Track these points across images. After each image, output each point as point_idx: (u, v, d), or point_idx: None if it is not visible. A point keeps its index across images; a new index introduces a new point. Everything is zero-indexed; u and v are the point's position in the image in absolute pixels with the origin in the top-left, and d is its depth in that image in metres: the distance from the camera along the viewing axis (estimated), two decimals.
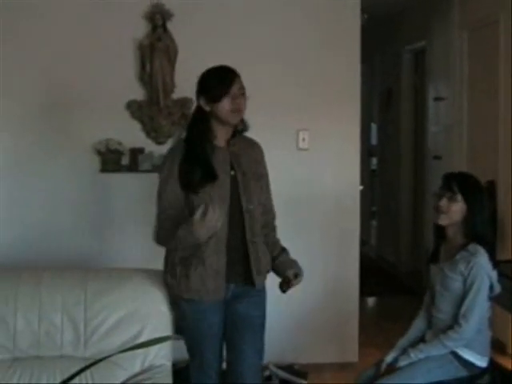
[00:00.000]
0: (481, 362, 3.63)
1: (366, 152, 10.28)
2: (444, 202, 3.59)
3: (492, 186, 5.83)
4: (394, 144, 8.97)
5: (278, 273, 3.57)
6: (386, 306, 7.17)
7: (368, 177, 10.43)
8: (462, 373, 3.59)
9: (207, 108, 3.42)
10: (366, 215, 10.46)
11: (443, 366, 3.55)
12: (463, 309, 3.54)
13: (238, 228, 3.44)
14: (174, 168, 3.40)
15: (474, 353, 3.61)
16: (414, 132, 8.66)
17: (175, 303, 3.52)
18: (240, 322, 3.51)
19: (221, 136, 3.48)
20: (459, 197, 3.58)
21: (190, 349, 3.55)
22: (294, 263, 3.58)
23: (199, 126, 3.45)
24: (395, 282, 8.05)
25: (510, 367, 4.09)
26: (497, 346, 5.46)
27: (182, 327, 3.51)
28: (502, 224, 5.69)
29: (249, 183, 3.48)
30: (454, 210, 3.59)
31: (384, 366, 3.68)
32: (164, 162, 3.52)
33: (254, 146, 3.65)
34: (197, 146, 3.41)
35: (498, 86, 5.77)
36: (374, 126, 10.59)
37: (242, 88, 3.48)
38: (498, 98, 5.76)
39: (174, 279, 3.47)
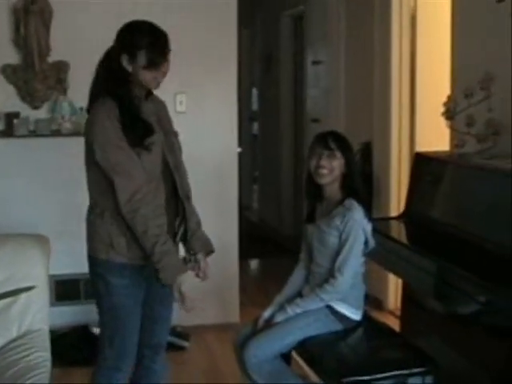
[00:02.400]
0: (355, 315, 3.73)
1: (248, 117, 10.34)
2: (325, 161, 3.63)
3: (368, 147, 5.97)
4: (275, 108, 9.03)
5: (188, 247, 3.46)
6: (268, 268, 7.29)
7: (250, 142, 10.50)
8: (338, 326, 3.68)
9: (129, 68, 3.21)
10: (248, 180, 10.55)
11: (319, 320, 3.63)
12: (338, 262, 3.62)
13: (169, 186, 3.34)
14: (118, 131, 3.14)
15: (348, 306, 3.70)
16: (293, 96, 8.74)
17: (98, 275, 3.29)
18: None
19: (140, 94, 3.30)
20: (338, 153, 3.64)
21: (114, 320, 3.34)
22: (208, 243, 3.51)
23: (125, 84, 3.23)
24: (277, 244, 8.17)
25: (384, 321, 4.21)
26: (374, 303, 5.64)
27: (98, 297, 3.35)
28: (378, 184, 5.84)
29: (171, 139, 3.41)
30: (335, 167, 3.64)
31: (261, 321, 3.74)
32: (103, 129, 3.15)
33: (163, 103, 3.52)
34: (130, 104, 3.22)
35: (373, 50, 5.88)
36: (255, 91, 10.64)
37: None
38: (374, 62, 5.88)
39: (115, 246, 3.21)
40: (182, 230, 3.41)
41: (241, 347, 3.67)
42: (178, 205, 3.38)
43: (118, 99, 3.20)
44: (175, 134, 3.49)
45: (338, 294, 3.64)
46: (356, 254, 3.64)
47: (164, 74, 3.27)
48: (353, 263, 3.63)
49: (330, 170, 3.64)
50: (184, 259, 3.41)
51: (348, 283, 3.63)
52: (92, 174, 3.26)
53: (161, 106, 3.48)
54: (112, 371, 3.38)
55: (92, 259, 3.32)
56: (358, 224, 3.61)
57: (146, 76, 3.22)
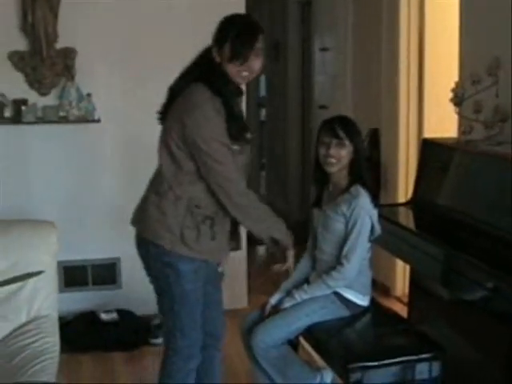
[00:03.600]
0: (362, 301, 3.73)
1: (255, 103, 10.32)
2: (333, 150, 3.60)
3: (376, 133, 5.96)
4: (282, 95, 9.02)
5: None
6: (276, 254, 7.27)
7: (257, 128, 10.49)
8: (345, 312, 3.68)
9: (218, 59, 3.17)
10: (256, 166, 10.53)
11: (326, 306, 3.64)
12: (345, 249, 3.61)
13: None
14: (223, 127, 3.13)
15: (355, 292, 3.70)
16: (301, 83, 8.72)
17: (165, 263, 3.25)
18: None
19: (232, 88, 3.25)
20: (347, 141, 3.60)
21: (184, 307, 3.31)
22: None
23: (224, 78, 3.18)
24: None
25: (391, 307, 4.22)
26: (381, 289, 5.65)
27: (167, 287, 3.28)
28: (385, 170, 5.84)
29: None
30: (344, 155, 3.61)
31: (269, 307, 3.74)
32: (208, 123, 3.11)
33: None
34: (232, 100, 3.20)
35: (381, 37, 5.86)
36: (262, 78, 10.61)
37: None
38: (382, 49, 5.86)
39: (187, 239, 3.19)
40: None
41: (248, 333, 3.68)
42: None
43: (220, 93, 3.15)
44: None
45: (346, 280, 3.64)
46: (363, 241, 3.63)
47: (252, 70, 3.21)
48: (360, 250, 3.62)
49: (339, 158, 3.62)
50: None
51: (355, 270, 3.63)
52: (173, 161, 3.20)
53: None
54: (187, 361, 3.37)
55: (154, 246, 3.24)
56: (364, 211, 3.60)
57: (232, 69, 3.17)
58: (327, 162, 3.64)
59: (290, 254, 3.38)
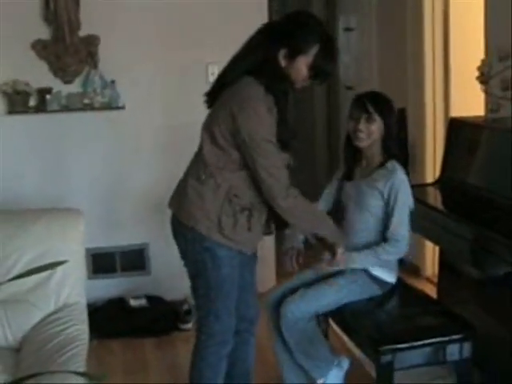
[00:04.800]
0: (389, 277, 3.72)
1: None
2: (363, 125, 3.58)
3: (403, 113, 5.90)
4: None
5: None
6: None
7: None
8: (373, 289, 3.68)
9: (283, 63, 3.13)
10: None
11: (355, 282, 3.63)
12: (393, 223, 3.59)
13: None
14: (274, 129, 3.11)
15: (382, 269, 3.68)
16: None
17: (204, 248, 3.24)
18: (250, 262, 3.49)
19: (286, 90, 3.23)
20: (376, 116, 3.58)
21: (221, 293, 3.31)
22: None
23: (284, 81, 3.15)
24: None
25: (421, 288, 4.19)
26: (411, 270, 5.62)
27: (203, 271, 3.28)
28: (413, 150, 5.79)
29: None
30: (374, 130, 3.59)
31: (324, 265, 3.63)
32: (262, 122, 3.09)
33: None
34: (284, 102, 3.16)
35: (405, 16, 5.80)
36: None
37: None
38: (406, 27, 5.80)
39: (224, 227, 3.18)
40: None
41: (275, 305, 3.70)
42: None
43: (274, 93, 3.12)
44: None
45: (399, 254, 3.67)
46: (408, 213, 3.63)
47: None
48: (408, 222, 3.62)
49: (368, 133, 3.60)
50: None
51: (408, 243, 3.64)
52: (216, 149, 3.18)
53: None
54: (221, 346, 3.36)
55: (191, 230, 3.23)
56: (404, 183, 3.60)
57: (299, 78, 3.17)
58: (357, 136, 3.63)
59: (340, 251, 3.43)
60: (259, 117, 3.07)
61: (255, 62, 3.16)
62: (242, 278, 3.40)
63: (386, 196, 3.60)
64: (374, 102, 3.61)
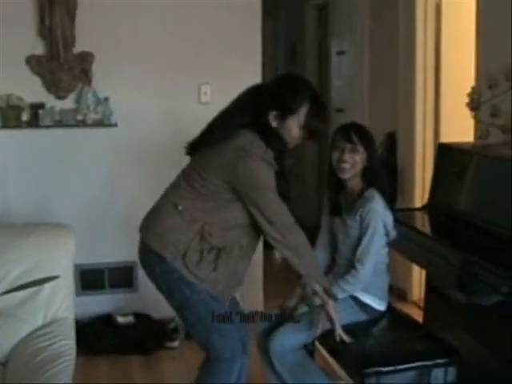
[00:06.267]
0: (379, 305, 3.74)
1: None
2: (347, 155, 3.61)
3: (393, 137, 5.95)
4: None
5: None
6: None
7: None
8: (362, 316, 3.69)
9: (274, 124, 3.22)
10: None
11: (344, 310, 3.61)
12: (358, 253, 3.61)
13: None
14: (274, 181, 3.20)
15: (373, 297, 3.71)
16: (318, 86, 8.70)
17: (175, 279, 3.25)
18: None
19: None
20: (361, 148, 3.61)
21: (204, 318, 3.29)
22: None
23: (280, 140, 3.23)
24: None
25: (408, 312, 4.21)
26: (398, 294, 5.64)
27: (185, 301, 3.28)
28: (402, 174, 5.82)
29: None
30: (357, 161, 3.61)
31: (287, 311, 3.72)
32: (264, 175, 3.17)
33: None
34: (283, 158, 3.26)
35: (397, 40, 5.86)
36: None
37: None
38: (398, 52, 5.85)
39: (187, 262, 3.20)
40: None
41: (263, 336, 3.69)
42: None
43: (276, 151, 3.19)
44: None
45: (360, 284, 3.64)
46: (377, 244, 3.63)
47: None
48: (373, 253, 3.62)
49: (353, 164, 3.62)
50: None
51: (369, 273, 3.63)
52: (196, 191, 3.23)
53: None
54: (232, 361, 3.34)
55: (159, 259, 3.24)
56: (377, 214, 3.60)
57: (292, 138, 3.25)
58: (341, 167, 3.64)
59: (331, 306, 3.40)
60: (265, 170, 3.15)
61: (245, 121, 3.22)
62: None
63: (360, 224, 3.63)
64: (358, 133, 3.64)
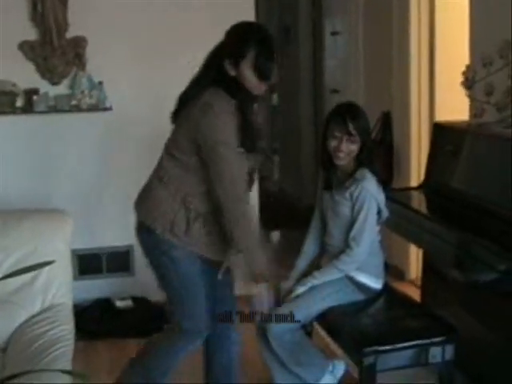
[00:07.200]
0: (375, 283, 3.75)
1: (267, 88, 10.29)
2: (345, 145, 3.59)
3: (388, 117, 5.94)
4: (294, 79, 9.00)
5: None
6: (289, 239, 7.28)
7: (269, 113, 10.46)
8: (359, 296, 3.70)
9: (232, 72, 3.21)
10: (268, 151, 10.52)
11: (340, 290, 3.64)
12: (353, 232, 3.62)
13: None
14: (235, 133, 3.19)
15: (368, 275, 3.71)
16: (312, 67, 8.69)
17: (161, 252, 3.33)
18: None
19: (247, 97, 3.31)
20: (357, 138, 3.59)
21: (185, 290, 3.37)
22: None
23: (241, 89, 3.23)
24: (298, 215, 8.16)
25: (405, 291, 4.22)
26: (395, 273, 5.65)
27: (166, 274, 3.37)
28: (398, 154, 5.82)
29: None
30: (353, 150, 3.61)
31: (283, 293, 3.74)
32: (224, 127, 3.17)
33: None
34: (248, 108, 3.27)
35: (391, 20, 5.84)
36: None
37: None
38: (392, 32, 5.84)
39: (176, 232, 3.26)
40: None
41: (261, 318, 3.69)
42: None
43: (236, 98, 3.22)
44: None
45: (355, 263, 3.65)
46: (371, 224, 3.64)
47: (270, 83, 3.30)
48: (368, 232, 3.63)
49: (349, 153, 3.62)
50: None
51: (365, 253, 3.64)
52: (175, 158, 3.28)
53: None
54: (189, 342, 3.44)
55: (149, 231, 3.33)
56: (370, 194, 3.60)
57: (251, 84, 3.22)
58: (337, 155, 3.64)
59: (262, 285, 3.37)
60: (222, 122, 3.16)
61: (211, 77, 3.26)
62: (214, 278, 3.44)
63: (352, 204, 3.63)
64: (354, 120, 3.60)
